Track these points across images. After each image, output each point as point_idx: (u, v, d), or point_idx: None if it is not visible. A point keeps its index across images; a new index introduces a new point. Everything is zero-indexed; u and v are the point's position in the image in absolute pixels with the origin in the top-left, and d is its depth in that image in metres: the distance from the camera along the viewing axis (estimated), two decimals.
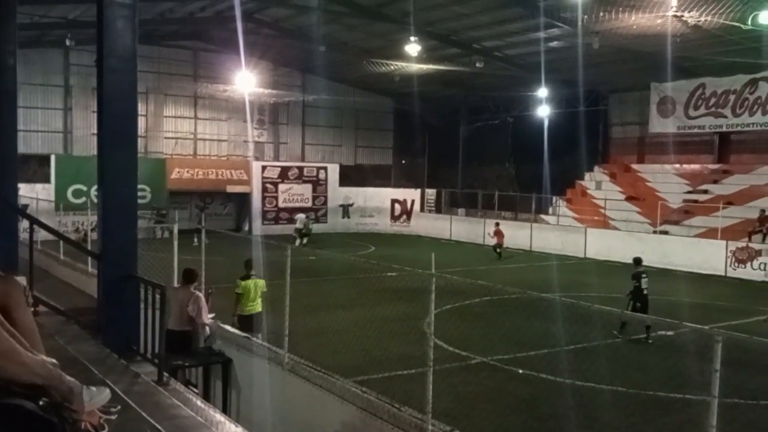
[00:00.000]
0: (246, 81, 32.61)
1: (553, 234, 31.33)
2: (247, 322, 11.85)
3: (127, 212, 8.50)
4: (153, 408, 5.99)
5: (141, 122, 34.03)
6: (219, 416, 6.33)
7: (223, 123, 38.13)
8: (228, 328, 11.05)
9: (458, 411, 9.63)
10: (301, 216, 33.78)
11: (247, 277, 12.37)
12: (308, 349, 11.70)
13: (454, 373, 11.78)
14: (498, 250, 28.83)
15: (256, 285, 12.35)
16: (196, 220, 30.24)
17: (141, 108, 34.51)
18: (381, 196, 39.34)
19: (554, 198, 35.11)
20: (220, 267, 16.12)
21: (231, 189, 36.26)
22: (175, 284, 11.35)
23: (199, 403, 6.66)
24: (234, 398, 9.86)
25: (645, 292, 14.73)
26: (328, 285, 20.51)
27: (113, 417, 3.04)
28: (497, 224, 30.03)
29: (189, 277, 10.53)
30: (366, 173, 42.10)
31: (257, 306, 12.29)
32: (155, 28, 32.44)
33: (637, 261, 16.02)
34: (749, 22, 21.57)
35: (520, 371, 12.21)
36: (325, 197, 38.90)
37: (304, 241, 31.90)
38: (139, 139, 35.86)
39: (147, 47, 31.90)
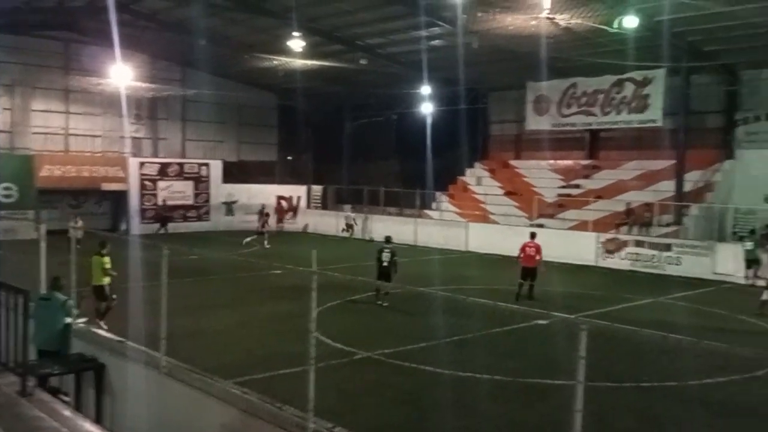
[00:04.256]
0: (121, 74, 31.29)
1: (436, 228, 32.00)
2: (94, 292, 14.13)
3: None
4: (13, 421, 5.63)
5: (5, 116, 32.03)
6: (89, 425, 6.04)
7: (97, 118, 36.41)
8: (101, 332, 10.56)
9: (342, 407, 9.64)
10: (349, 214, 34.82)
11: (98, 254, 14.36)
12: (188, 351, 11.39)
13: (338, 369, 11.80)
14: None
15: (97, 261, 14.29)
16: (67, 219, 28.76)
17: (5, 101, 32.49)
18: (266, 193, 38.80)
19: (437, 193, 35.88)
20: None
21: (106, 186, 34.69)
22: (42, 290, 10.74)
23: (67, 413, 6.32)
24: (108, 405, 9.43)
25: (385, 264, 17.41)
26: (210, 285, 20.04)
27: None
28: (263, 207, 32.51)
29: None
30: (250, 170, 41.37)
31: (99, 279, 14.25)
32: (22, 17, 30.50)
33: (387, 239, 18.95)
34: (615, 26, 22.85)
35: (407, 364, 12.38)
36: (208, 194, 37.94)
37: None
38: (4, 135, 33.86)
39: (12, 37, 30.05)
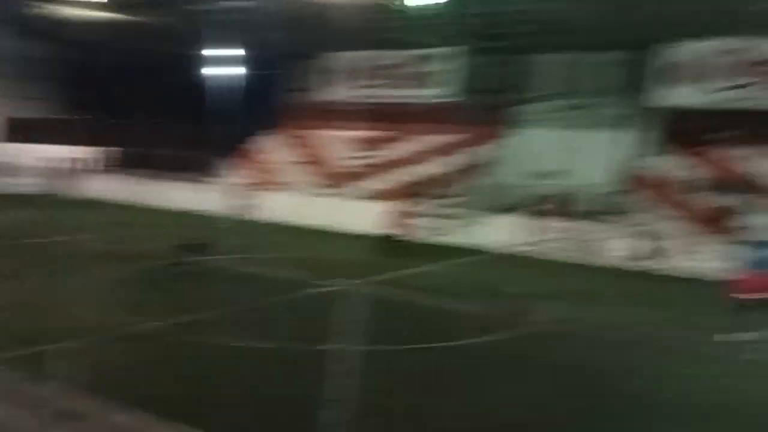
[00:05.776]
0: None
1: (226, 196, 31.13)
2: None
3: None
4: None
5: None
6: None
7: None
8: None
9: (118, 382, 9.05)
10: None
11: None
12: None
13: (114, 344, 11.02)
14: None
15: None
16: None
17: None
18: (44, 154, 35.47)
19: (228, 160, 34.94)
20: None
21: None
22: None
23: None
24: None
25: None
26: None
27: None
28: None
29: None
30: (17, 128, 37.51)
31: None
32: None
33: None
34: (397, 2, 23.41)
35: None
36: None
37: None
38: None
39: None
